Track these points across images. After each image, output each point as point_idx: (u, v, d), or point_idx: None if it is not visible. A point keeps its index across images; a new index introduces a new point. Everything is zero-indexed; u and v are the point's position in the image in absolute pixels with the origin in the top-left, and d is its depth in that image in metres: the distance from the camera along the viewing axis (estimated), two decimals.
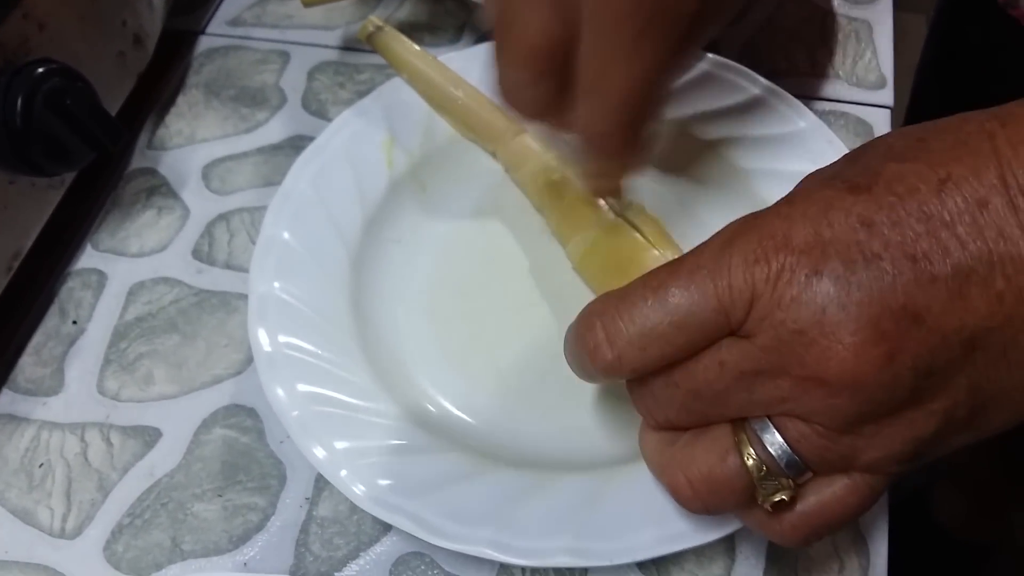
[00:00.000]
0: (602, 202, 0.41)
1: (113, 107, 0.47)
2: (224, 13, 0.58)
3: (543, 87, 0.33)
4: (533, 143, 0.44)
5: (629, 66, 0.31)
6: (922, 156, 0.26)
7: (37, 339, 0.44)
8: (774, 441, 0.27)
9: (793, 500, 0.28)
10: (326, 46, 0.55)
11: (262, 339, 0.38)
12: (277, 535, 0.38)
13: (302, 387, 0.37)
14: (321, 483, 0.39)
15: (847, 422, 0.26)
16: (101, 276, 0.46)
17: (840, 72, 0.51)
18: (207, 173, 0.50)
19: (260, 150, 0.50)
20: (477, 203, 0.45)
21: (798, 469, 0.27)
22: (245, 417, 0.41)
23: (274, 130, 0.51)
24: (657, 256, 0.37)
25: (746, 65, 0.45)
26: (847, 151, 0.30)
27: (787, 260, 0.25)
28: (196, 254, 0.46)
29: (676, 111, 0.45)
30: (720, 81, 0.45)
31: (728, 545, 0.36)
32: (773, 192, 0.28)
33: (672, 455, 0.30)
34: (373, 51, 0.48)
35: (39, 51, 0.41)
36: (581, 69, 0.32)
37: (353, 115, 0.45)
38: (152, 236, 0.47)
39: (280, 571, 0.37)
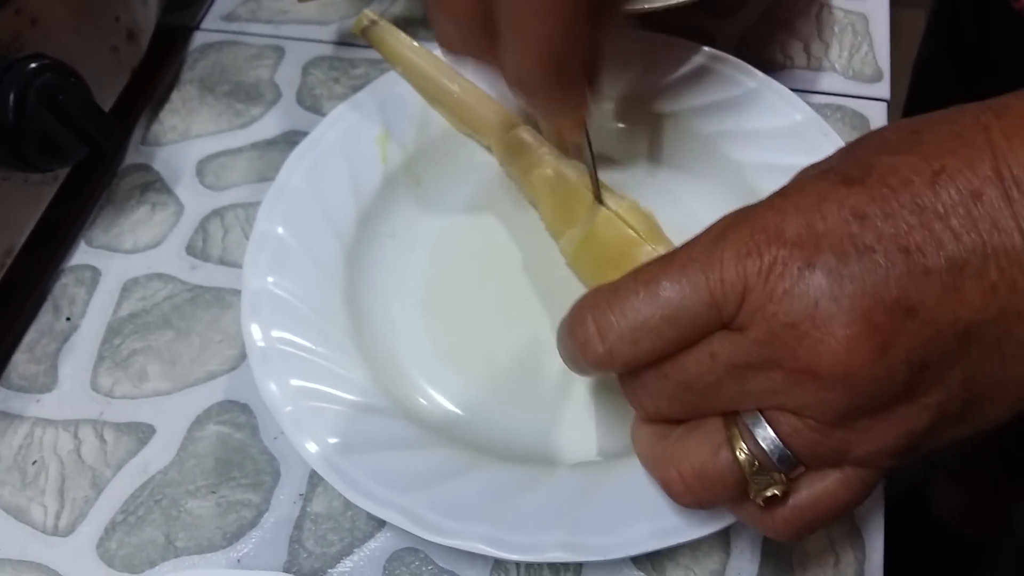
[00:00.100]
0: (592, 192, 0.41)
1: (107, 103, 0.47)
2: (218, 8, 0.57)
3: (470, 32, 0.33)
4: (528, 137, 0.44)
5: (540, 17, 0.31)
6: (916, 148, 0.26)
7: (31, 336, 0.44)
8: (766, 436, 0.27)
9: (785, 495, 0.28)
10: (321, 41, 0.55)
11: (255, 334, 0.38)
12: (271, 531, 0.38)
13: (295, 382, 0.37)
14: (315, 479, 0.39)
15: (839, 416, 0.26)
16: (95, 272, 0.46)
17: (836, 65, 0.51)
18: (201, 169, 0.49)
19: (254, 145, 0.50)
20: (471, 198, 0.45)
21: (790, 464, 0.27)
22: (239, 413, 0.41)
23: (269, 125, 0.51)
24: (650, 251, 0.37)
25: (742, 58, 0.44)
26: (843, 144, 0.30)
27: (779, 253, 0.25)
28: (190, 250, 0.46)
29: (672, 105, 0.44)
30: (716, 74, 0.45)
31: (723, 539, 0.36)
32: (768, 186, 0.28)
33: (664, 449, 0.29)
34: (368, 46, 0.48)
35: (32, 46, 0.41)
36: (498, 17, 0.32)
37: (347, 109, 0.45)
38: (146, 232, 0.47)
39: (274, 568, 0.37)
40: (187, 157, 0.50)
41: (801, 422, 0.26)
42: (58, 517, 0.39)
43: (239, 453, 0.40)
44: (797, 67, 0.51)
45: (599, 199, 0.39)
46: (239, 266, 0.44)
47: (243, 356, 0.42)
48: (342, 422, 0.36)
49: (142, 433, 0.41)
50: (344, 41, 0.55)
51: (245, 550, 0.37)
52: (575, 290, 0.39)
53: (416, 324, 0.41)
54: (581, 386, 0.38)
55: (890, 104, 0.49)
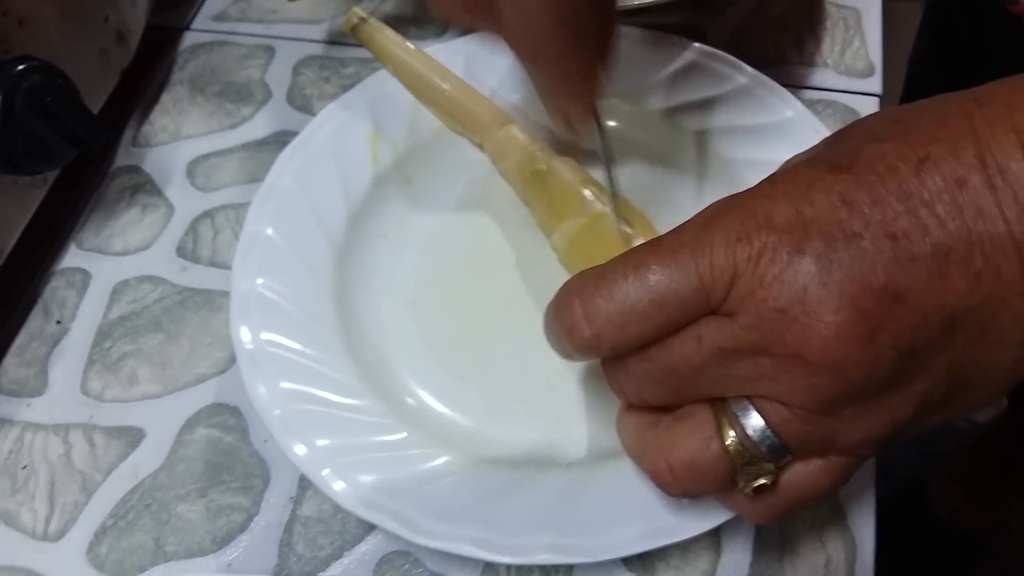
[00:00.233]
0: (587, 192, 0.40)
1: (96, 104, 0.47)
2: (209, 8, 0.57)
3: None
4: (519, 134, 0.44)
5: None
6: (901, 136, 0.26)
7: (21, 339, 0.44)
8: (756, 426, 0.27)
9: (774, 484, 0.28)
10: (311, 40, 0.55)
11: (244, 337, 0.38)
12: (261, 535, 0.38)
13: (285, 385, 0.36)
14: (305, 482, 0.39)
15: (827, 403, 0.26)
16: (85, 275, 0.46)
17: (828, 60, 0.50)
18: (192, 170, 0.49)
19: (245, 146, 0.50)
20: (462, 197, 0.45)
21: (780, 454, 0.27)
22: (229, 416, 0.40)
23: (259, 126, 0.51)
24: None
25: (734, 54, 0.44)
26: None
27: (769, 239, 0.25)
28: (180, 252, 0.46)
29: (663, 101, 0.44)
30: (707, 70, 0.44)
31: (714, 540, 0.36)
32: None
33: (653, 439, 0.29)
34: (358, 44, 0.48)
35: (19, 48, 0.40)
36: None
37: (337, 109, 0.45)
38: (136, 234, 0.47)
39: (264, 571, 0.37)
40: (177, 158, 0.50)
41: (790, 412, 0.26)
42: (48, 522, 0.39)
43: (229, 456, 0.39)
44: (789, 62, 0.50)
45: (615, 190, 0.39)
46: (229, 267, 0.43)
47: (233, 359, 0.42)
48: (331, 425, 0.36)
49: (132, 437, 0.40)
50: (335, 40, 0.54)
51: (235, 554, 0.37)
52: None
53: (406, 324, 0.41)
54: (571, 387, 0.38)
55: (882, 99, 0.49)
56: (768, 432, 0.27)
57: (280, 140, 0.50)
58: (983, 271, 0.24)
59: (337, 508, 0.38)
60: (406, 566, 0.36)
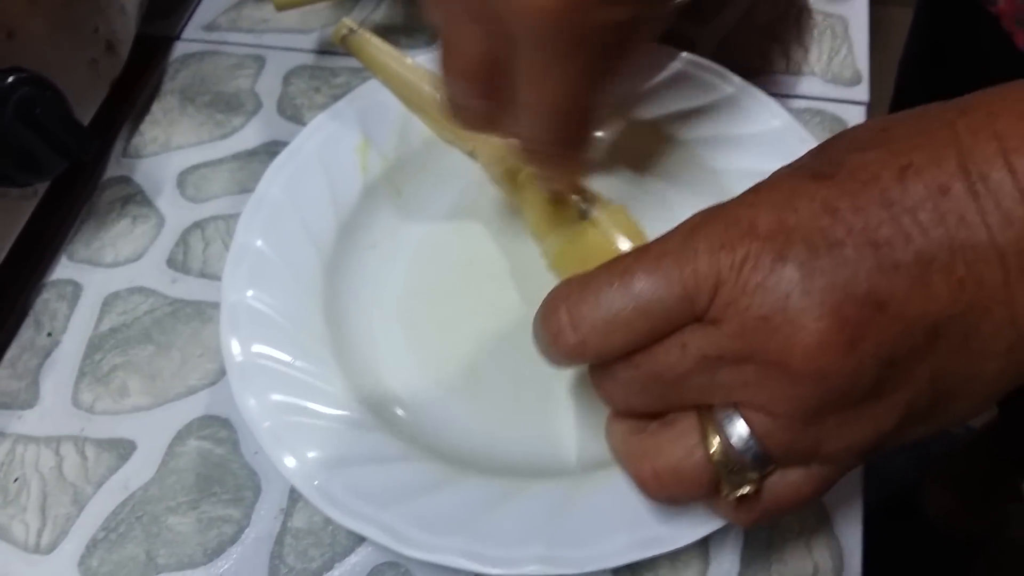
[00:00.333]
0: (576, 198, 0.40)
1: (86, 115, 0.47)
2: (199, 18, 0.57)
3: (483, 101, 0.34)
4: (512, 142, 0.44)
5: (559, 82, 0.31)
6: (884, 145, 0.26)
7: (12, 352, 0.44)
8: (741, 434, 0.27)
9: (757, 492, 0.28)
10: (302, 50, 0.55)
11: (234, 349, 0.38)
12: (252, 547, 0.38)
13: (274, 397, 0.36)
14: (296, 494, 0.39)
15: (811, 411, 0.26)
16: (76, 287, 0.46)
17: (816, 69, 0.51)
18: (182, 181, 0.49)
19: (235, 156, 0.50)
20: (453, 206, 0.45)
21: (763, 463, 0.27)
22: (219, 428, 0.41)
23: (249, 136, 0.51)
24: None
25: (721, 63, 0.44)
26: None
27: (752, 246, 0.25)
28: (171, 263, 0.46)
29: (651, 111, 0.44)
30: (694, 80, 0.45)
31: (702, 549, 0.36)
32: None
33: (639, 445, 0.29)
34: (349, 54, 0.48)
35: (9, 60, 0.40)
36: (516, 85, 0.32)
37: (327, 119, 0.45)
38: (127, 245, 0.47)
39: None
40: (168, 169, 0.50)
41: (774, 421, 0.26)
42: (40, 535, 0.39)
43: (220, 468, 0.40)
44: (777, 71, 0.51)
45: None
46: (220, 279, 0.44)
47: (224, 370, 0.42)
48: (321, 437, 0.36)
49: (123, 449, 0.40)
50: (325, 50, 0.55)
51: (226, 566, 0.37)
52: None
53: (396, 336, 0.41)
54: (561, 396, 0.38)
55: (869, 107, 0.49)
56: (752, 441, 0.27)
57: (271, 150, 0.50)
58: (966, 279, 0.24)
59: (327, 520, 0.38)
60: None
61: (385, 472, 0.35)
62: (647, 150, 0.45)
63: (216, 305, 0.44)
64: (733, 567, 0.36)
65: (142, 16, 0.52)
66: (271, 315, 0.39)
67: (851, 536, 0.36)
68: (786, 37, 0.52)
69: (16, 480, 0.40)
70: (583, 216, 0.40)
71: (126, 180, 0.50)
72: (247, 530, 0.38)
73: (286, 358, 0.38)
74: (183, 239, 0.47)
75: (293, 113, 0.52)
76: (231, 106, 0.52)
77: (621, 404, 0.30)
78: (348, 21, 0.47)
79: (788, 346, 0.25)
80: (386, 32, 0.53)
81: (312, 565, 0.37)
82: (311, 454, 0.35)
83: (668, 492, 0.29)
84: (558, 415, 0.38)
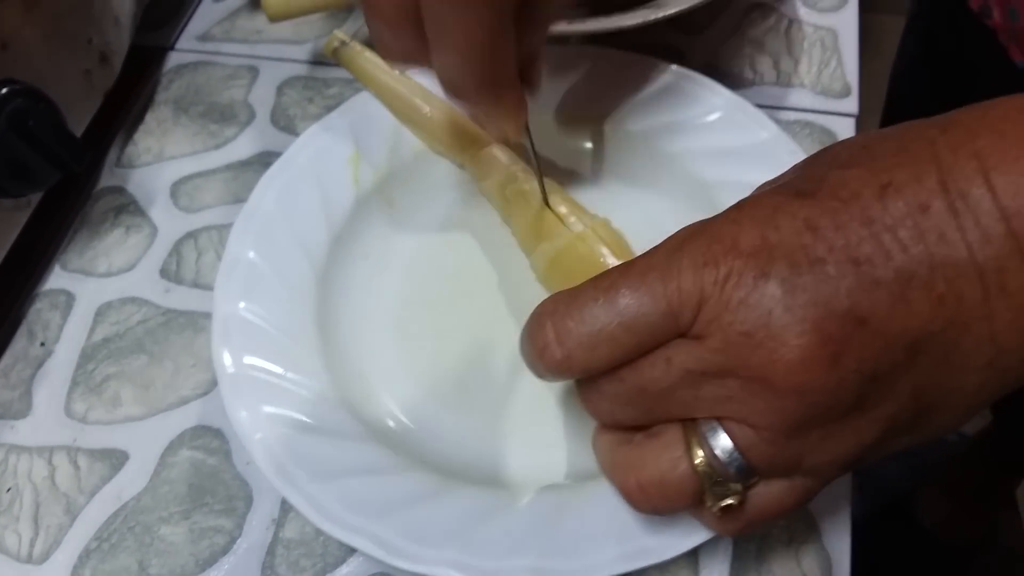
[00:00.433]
0: (565, 210, 0.41)
1: (79, 126, 0.47)
2: (193, 29, 0.57)
3: (402, 39, 0.33)
4: (501, 154, 0.44)
5: (463, 19, 0.31)
6: (865, 162, 0.26)
7: (5, 361, 0.44)
8: (724, 447, 0.27)
9: (741, 503, 0.28)
10: (295, 60, 0.55)
11: (226, 361, 0.38)
12: (243, 557, 0.38)
13: (266, 409, 0.37)
14: (287, 504, 0.39)
15: (793, 426, 0.26)
16: (69, 297, 0.46)
17: (805, 81, 0.51)
18: (175, 191, 0.50)
19: (229, 167, 0.50)
20: (444, 218, 0.45)
21: (747, 475, 0.28)
22: (212, 438, 0.41)
23: (243, 146, 0.51)
24: None
25: (712, 75, 0.45)
26: None
27: (735, 263, 0.26)
28: (164, 273, 0.46)
29: (639, 122, 0.45)
30: (683, 92, 0.45)
31: (691, 559, 0.37)
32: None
33: (624, 456, 0.30)
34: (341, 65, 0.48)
35: (2, 71, 0.41)
36: (426, 22, 0.32)
37: (319, 130, 0.45)
38: (120, 255, 0.47)
39: None
40: (161, 179, 0.50)
41: (757, 435, 0.27)
42: (32, 544, 0.39)
43: (212, 479, 0.40)
44: (766, 83, 0.51)
45: (547, 203, 0.40)
46: (213, 289, 0.44)
47: (216, 380, 0.42)
48: (312, 448, 0.36)
49: (116, 459, 0.41)
50: (318, 60, 0.55)
51: None
52: None
53: (388, 346, 0.41)
54: (551, 408, 0.39)
55: (859, 119, 0.49)
56: (736, 454, 0.27)
57: (264, 161, 0.50)
58: (945, 295, 0.25)
59: (319, 531, 0.38)
60: None
61: (376, 483, 0.35)
62: (635, 162, 0.45)
63: (209, 315, 0.44)
64: None
65: (136, 27, 0.53)
66: (263, 326, 0.39)
67: (839, 546, 0.37)
68: (776, 49, 0.53)
69: (9, 490, 0.40)
70: (572, 229, 0.40)
71: (119, 190, 0.50)
72: (239, 540, 0.38)
73: (278, 370, 0.38)
74: (176, 249, 0.47)
75: (286, 124, 0.52)
76: (224, 116, 0.53)
77: (607, 417, 0.30)
78: (339, 34, 0.48)
79: (771, 361, 0.25)
80: None
81: (304, 575, 0.37)
82: (302, 466, 0.35)
83: (653, 504, 0.29)
84: (549, 427, 0.38)
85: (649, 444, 0.29)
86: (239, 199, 0.49)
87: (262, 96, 0.53)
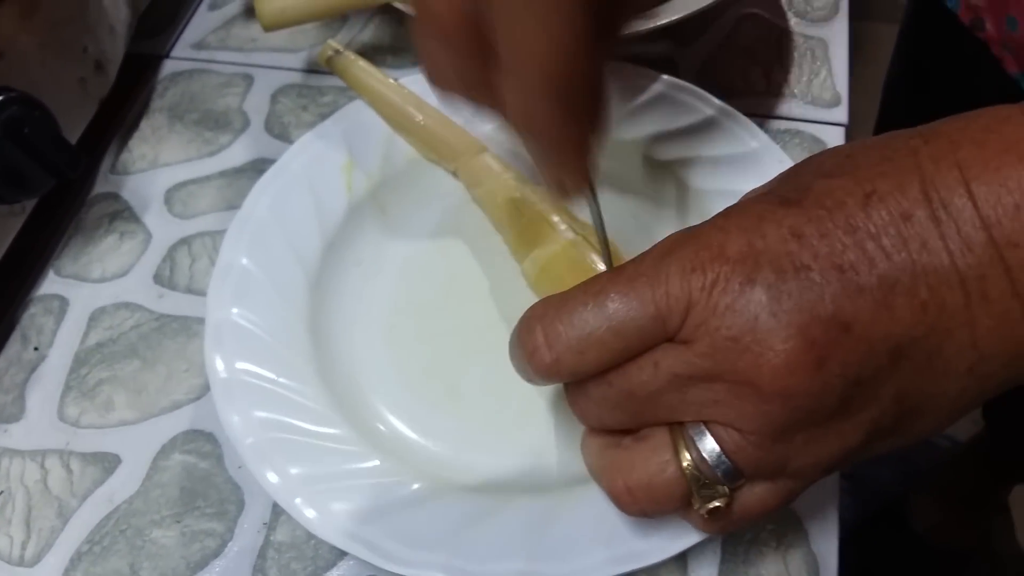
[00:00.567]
0: (556, 218, 0.41)
1: (74, 133, 0.47)
2: (188, 36, 0.58)
3: (462, 62, 0.30)
4: (493, 162, 0.44)
5: (546, 32, 0.27)
6: (849, 172, 0.27)
7: None
8: (711, 451, 0.28)
9: (728, 505, 0.28)
10: (289, 69, 0.55)
11: (218, 366, 0.38)
12: (235, 560, 0.38)
13: (258, 413, 0.37)
14: (279, 508, 0.39)
15: (779, 429, 0.26)
16: (63, 302, 0.46)
17: (796, 91, 0.51)
18: (169, 197, 0.50)
19: (223, 174, 0.51)
20: (437, 225, 0.46)
21: (734, 478, 0.28)
22: (204, 442, 0.41)
23: (237, 153, 0.51)
24: None
25: (703, 85, 0.45)
26: None
27: (722, 269, 0.26)
28: (157, 279, 0.47)
29: (631, 131, 0.45)
30: (675, 102, 0.45)
31: (680, 563, 0.37)
32: None
33: (613, 459, 0.30)
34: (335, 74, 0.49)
35: None
36: (499, 42, 0.28)
37: (313, 138, 0.46)
38: (114, 261, 0.47)
39: None
40: (156, 185, 0.50)
41: (744, 438, 0.27)
42: (24, 547, 0.39)
43: (204, 482, 0.40)
44: (757, 93, 0.52)
45: (609, 264, 0.36)
46: (206, 295, 0.44)
47: (209, 385, 0.42)
48: (304, 453, 0.36)
49: (108, 463, 0.41)
50: (313, 69, 0.55)
51: None
52: None
53: (380, 352, 0.41)
54: (542, 413, 0.39)
55: (848, 129, 0.50)
56: (723, 457, 0.27)
57: (258, 168, 0.50)
58: (928, 302, 0.25)
59: (310, 534, 0.38)
60: None
61: (367, 487, 0.35)
62: (628, 170, 0.45)
63: (202, 321, 0.44)
64: None
65: (131, 35, 0.53)
66: (256, 332, 0.39)
67: (827, 548, 0.37)
68: (767, 59, 0.53)
69: (1, 493, 0.40)
70: (563, 237, 0.41)
71: (114, 196, 0.50)
72: (230, 544, 0.38)
73: (270, 375, 0.38)
74: (170, 255, 0.47)
75: (280, 131, 0.52)
76: (219, 124, 0.53)
77: (595, 421, 0.31)
78: (333, 43, 0.48)
79: (757, 366, 0.25)
80: (373, 52, 0.54)
81: None
82: (293, 470, 0.35)
83: (641, 506, 0.29)
84: (539, 431, 0.39)
85: (637, 448, 0.29)
86: (233, 206, 0.49)
87: (256, 104, 0.54)
